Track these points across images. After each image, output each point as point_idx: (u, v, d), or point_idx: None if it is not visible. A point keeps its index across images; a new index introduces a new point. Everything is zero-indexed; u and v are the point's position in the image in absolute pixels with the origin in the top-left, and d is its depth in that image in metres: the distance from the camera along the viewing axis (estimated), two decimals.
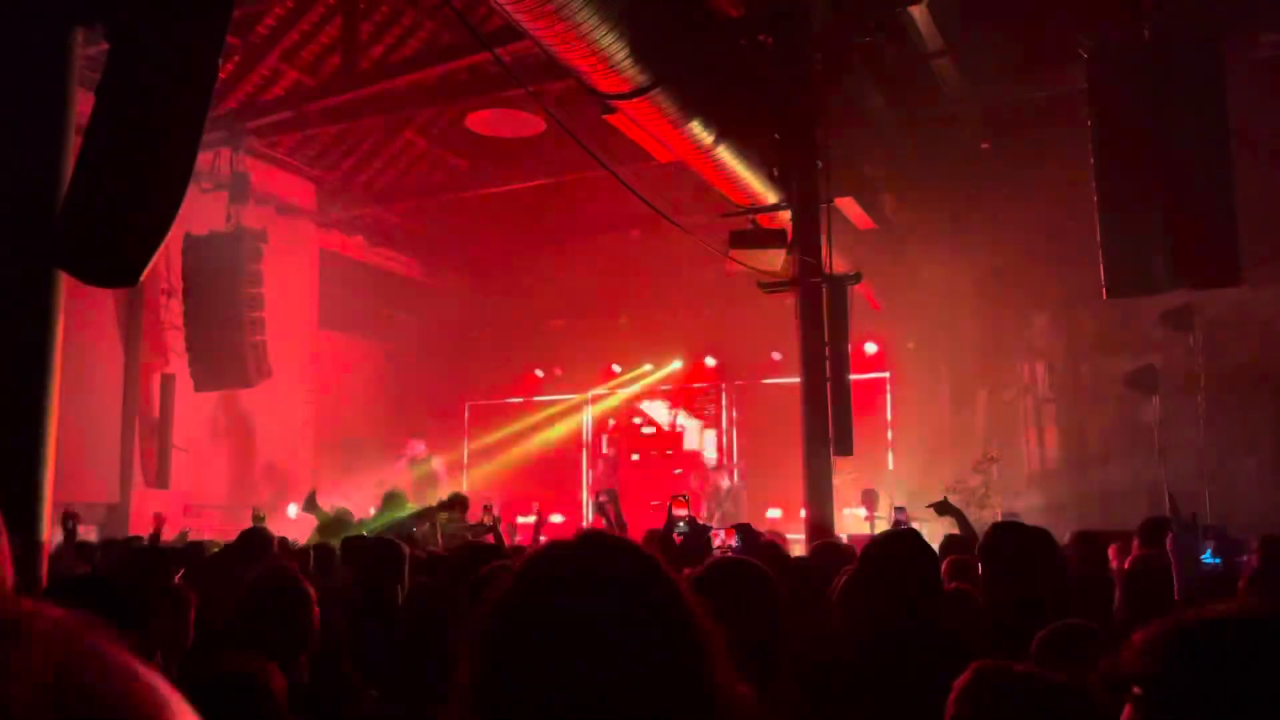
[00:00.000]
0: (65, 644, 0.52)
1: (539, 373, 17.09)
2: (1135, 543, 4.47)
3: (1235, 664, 1.17)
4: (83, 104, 3.67)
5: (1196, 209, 6.78)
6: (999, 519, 11.60)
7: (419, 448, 14.53)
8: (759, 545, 6.41)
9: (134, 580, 3.33)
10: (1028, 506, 12.98)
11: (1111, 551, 5.19)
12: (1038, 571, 3.23)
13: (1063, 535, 7.13)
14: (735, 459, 15.58)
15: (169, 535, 9.17)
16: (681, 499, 6.77)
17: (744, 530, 6.69)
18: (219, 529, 12.28)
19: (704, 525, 7.03)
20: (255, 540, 5.34)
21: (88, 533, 10.77)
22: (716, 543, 7.78)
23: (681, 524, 6.42)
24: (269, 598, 2.93)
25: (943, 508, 5.75)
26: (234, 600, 3.12)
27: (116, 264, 3.59)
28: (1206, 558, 6.41)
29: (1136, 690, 1.11)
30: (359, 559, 4.41)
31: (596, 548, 1.19)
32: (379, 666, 3.19)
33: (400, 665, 3.06)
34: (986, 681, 1.66)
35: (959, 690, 1.66)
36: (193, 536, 10.96)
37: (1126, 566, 3.53)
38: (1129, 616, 2.76)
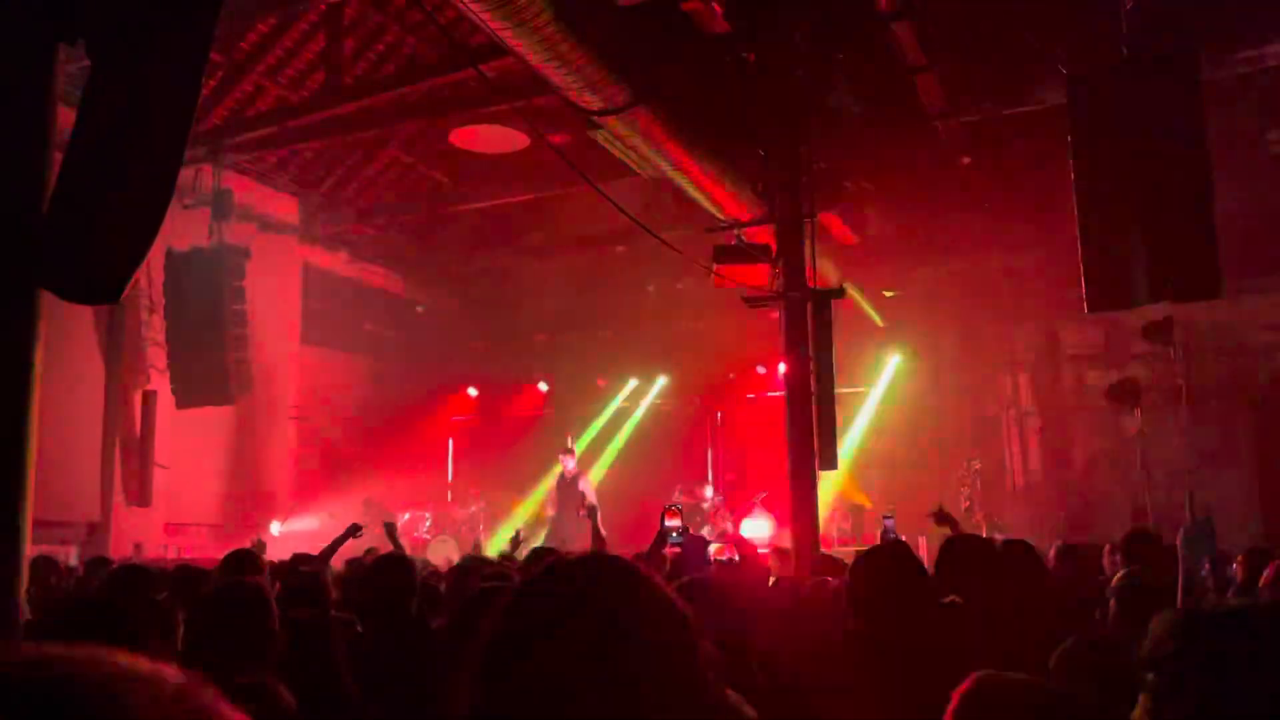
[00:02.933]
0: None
1: (543, 386, 17.03)
2: (1119, 557, 4.48)
3: (1239, 644, 1.21)
4: (64, 120, 3.65)
5: (1176, 222, 6.83)
6: (983, 532, 11.64)
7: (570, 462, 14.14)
8: (757, 560, 6.43)
9: (125, 600, 3.28)
10: (1011, 519, 13.03)
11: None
12: (1022, 583, 3.24)
13: (1047, 547, 7.17)
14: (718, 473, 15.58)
15: (152, 554, 9.10)
16: (674, 509, 6.76)
17: (745, 546, 6.69)
18: (202, 547, 12.20)
19: (701, 538, 7.04)
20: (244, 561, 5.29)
21: (68, 552, 10.69)
22: (722, 556, 7.79)
23: (675, 535, 6.42)
24: (227, 608, 2.88)
25: (941, 517, 5.79)
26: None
27: (97, 281, 3.57)
28: None
29: (1151, 676, 1.14)
30: (371, 577, 4.36)
31: (595, 567, 1.20)
32: (383, 684, 3.16)
33: (404, 683, 3.03)
34: (987, 691, 1.66)
35: (959, 700, 1.66)
36: (173, 555, 10.91)
37: (1114, 581, 3.54)
38: (1122, 630, 2.77)
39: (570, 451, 13.70)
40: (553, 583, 1.18)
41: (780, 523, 12.08)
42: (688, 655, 1.13)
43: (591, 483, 13.53)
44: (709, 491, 14.09)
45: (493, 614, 1.16)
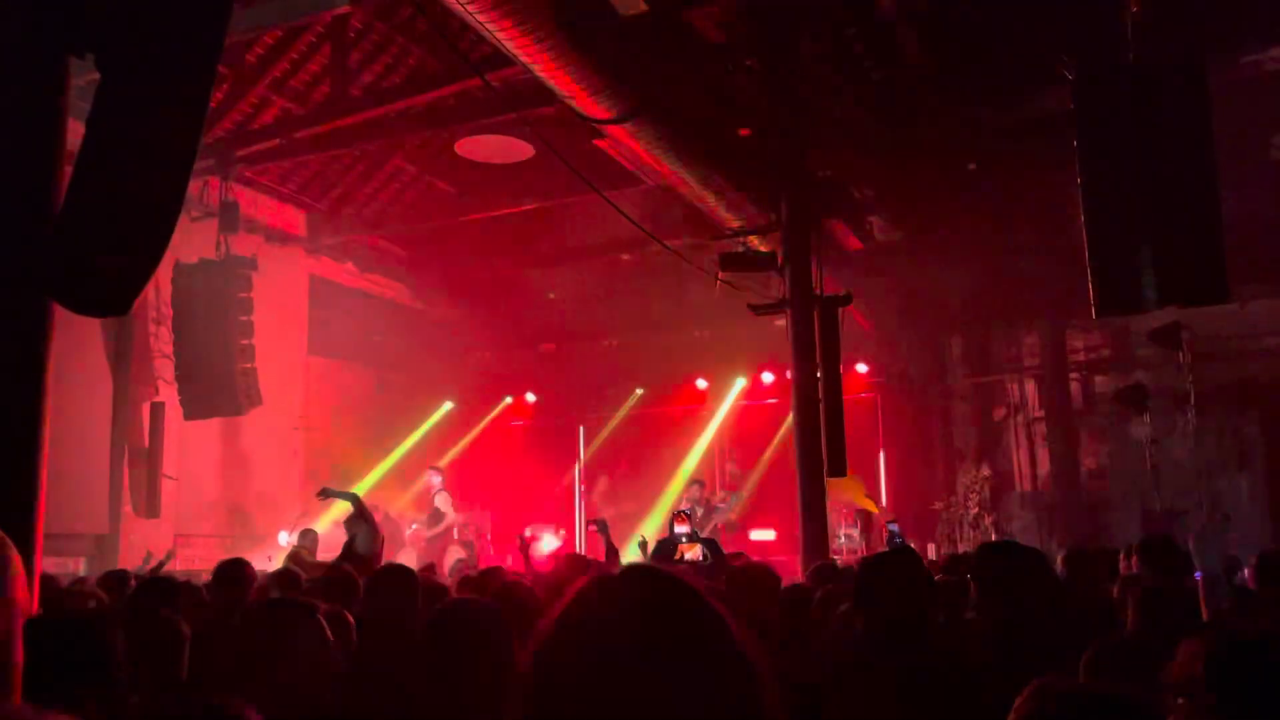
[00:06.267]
0: None
1: (531, 397, 17.08)
2: (1134, 560, 4.46)
3: (1269, 673, 1.21)
4: (74, 133, 3.67)
5: (1183, 227, 6.82)
6: (992, 538, 11.61)
7: (434, 479, 14.50)
8: (726, 561, 6.39)
9: (122, 618, 3.26)
10: (1020, 525, 13.00)
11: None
12: (1031, 591, 3.23)
13: (1055, 553, 7.15)
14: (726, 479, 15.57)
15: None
16: (683, 515, 6.79)
17: (710, 545, 6.67)
18: (209, 558, 12.20)
19: (673, 538, 7.03)
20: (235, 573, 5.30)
21: (76, 564, 10.70)
22: (689, 555, 7.77)
23: (684, 539, 6.44)
24: (267, 631, 2.84)
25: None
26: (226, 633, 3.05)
27: (107, 294, 3.58)
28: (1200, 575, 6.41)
29: (1181, 700, 1.13)
30: (371, 588, 4.35)
31: (643, 582, 1.16)
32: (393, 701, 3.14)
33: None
34: (1050, 697, 1.62)
35: (1019, 708, 1.63)
36: (183, 566, 10.92)
37: (1133, 586, 3.52)
38: (1144, 636, 2.76)
39: (438, 469, 14.28)
40: (601, 599, 1.14)
41: (789, 527, 12.05)
42: (748, 684, 1.10)
43: (449, 497, 14.13)
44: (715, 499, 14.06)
45: (540, 629, 1.13)
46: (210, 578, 5.67)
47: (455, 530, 14.02)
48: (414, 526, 14.45)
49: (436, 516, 14.04)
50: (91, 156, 3.45)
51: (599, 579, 1.18)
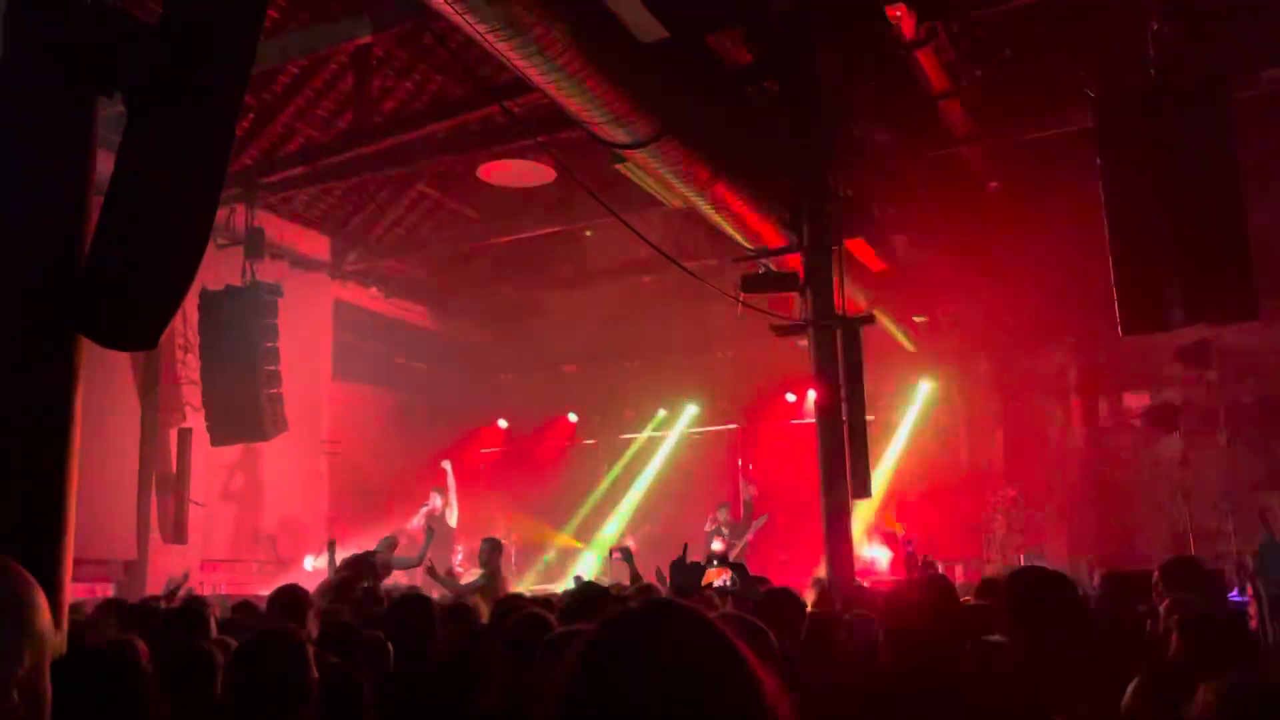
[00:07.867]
0: None
1: (573, 417, 17.08)
2: (1159, 585, 4.40)
3: None
4: (104, 165, 3.72)
5: (1209, 245, 6.76)
6: (1022, 559, 11.50)
7: (436, 500, 14.43)
8: (756, 585, 6.34)
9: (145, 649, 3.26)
10: (1049, 545, 12.86)
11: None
12: (1060, 615, 3.19)
13: (1086, 574, 7.07)
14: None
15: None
16: (719, 534, 6.75)
17: (739, 570, 6.61)
18: (236, 583, 12.26)
19: (697, 564, 6.98)
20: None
21: (105, 590, 10.77)
22: (717, 581, 7.72)
23: (716, 561, 6.41)
24: (261, 659, 2.84)
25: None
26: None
27: (133, 327, 3.62)
28: (1235, 596, 6.32)
29: None
30: (388, 615, 4.36)
31: (665, 618, 1.17)
32: None
33: None
34: None
35: None
36: (209, 591, 10.95)
37: (1165, 610, 3.47)
38: (1191, 662, 2.72)
39: (439, 489, 13.76)
40: (628, 633, 1.15)
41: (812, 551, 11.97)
42: (761, 710, 1.11)
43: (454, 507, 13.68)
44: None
45: (565, 662, 1.14)
46: (266, 604, 5.63)
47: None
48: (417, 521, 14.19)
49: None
50: (119, 189, 3.50)
51: (619, 618, 1.18)
